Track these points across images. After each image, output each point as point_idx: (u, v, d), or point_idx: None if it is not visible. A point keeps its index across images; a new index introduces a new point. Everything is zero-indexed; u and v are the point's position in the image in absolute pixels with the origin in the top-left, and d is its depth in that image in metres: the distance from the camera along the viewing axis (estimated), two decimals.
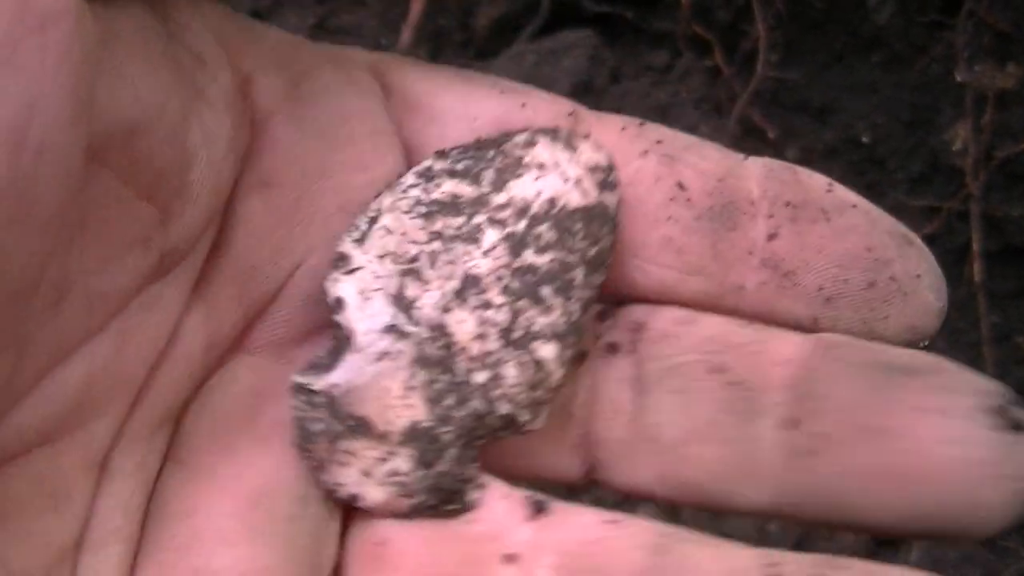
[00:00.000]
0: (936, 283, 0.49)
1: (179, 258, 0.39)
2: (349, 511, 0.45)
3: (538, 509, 0.44)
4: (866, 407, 0.43)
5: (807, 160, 1.66)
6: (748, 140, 1.63)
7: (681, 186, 0.48)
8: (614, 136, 0.48)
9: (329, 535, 0.44)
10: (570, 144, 0.45)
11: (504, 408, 0.42)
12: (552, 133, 0.45)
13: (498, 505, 0.44)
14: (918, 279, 0.48)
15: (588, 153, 0.45)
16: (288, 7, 1.78)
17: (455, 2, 1.74)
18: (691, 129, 1.56)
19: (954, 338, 1.61)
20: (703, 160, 0.49)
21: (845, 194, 0.50)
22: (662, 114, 1.61)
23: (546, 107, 0.49)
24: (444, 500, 0.42)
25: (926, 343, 0.49)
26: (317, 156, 0.43)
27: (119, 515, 0.40)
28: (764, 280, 0.46)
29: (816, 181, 0.51)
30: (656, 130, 0.50)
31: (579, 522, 0.44)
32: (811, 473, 0.43)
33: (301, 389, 0.42)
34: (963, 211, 1.55)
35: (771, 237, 0.47)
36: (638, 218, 0.47)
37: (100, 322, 0.37)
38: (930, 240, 1.59)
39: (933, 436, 0.42)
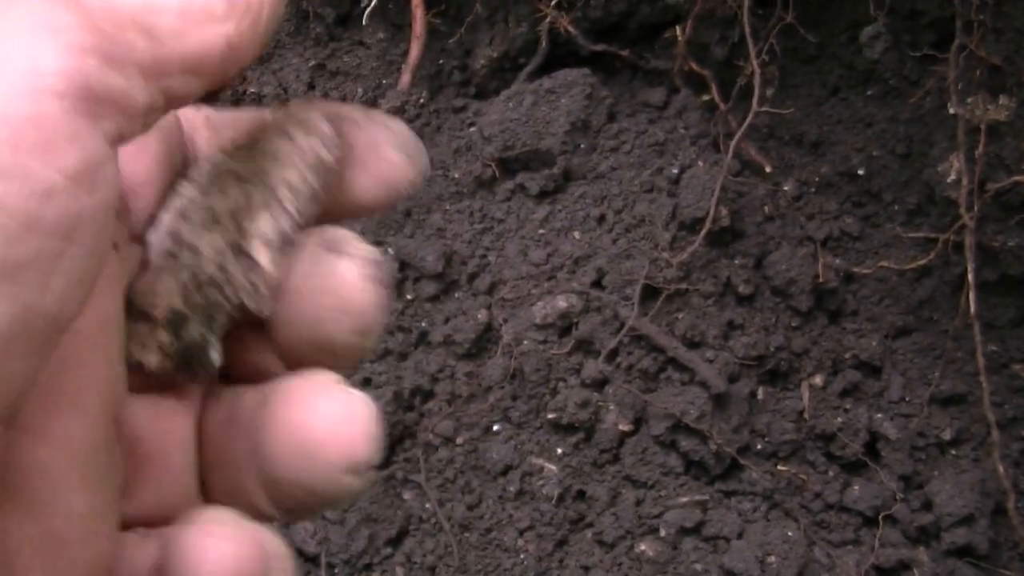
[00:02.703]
0: (398, 142, 0.59)
1: None
2: None
3: None
4: None
5: (804, 193, 1.67)
6: (745, 174, 1.65)
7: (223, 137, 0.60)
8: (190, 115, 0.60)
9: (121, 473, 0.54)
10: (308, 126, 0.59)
11: (233, 298, 0.58)
12: (301, 121, 0.59)
13: None
14: (376, 146, 0.59)
15: (322, 128, 0.58)
16: (290, 48, 1.80)
17: (454, 43, 1.76)
18: (689, 164, 1.59)
19: (952, 367, 1.62)
20: (239, 115, 0.60)
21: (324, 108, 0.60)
22: (660, 150, 1.62)
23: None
24: (189, 360, 0.58)
25: (413, 189, 0.58)
26: None
27: None
28: None
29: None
30: (202, 109, 0.61)
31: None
32: None
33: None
34: (959, 242, 1.56)
35: None
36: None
37: None
38: (927, 271, 1.61)
39: None
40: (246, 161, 0.60)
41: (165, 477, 0.56)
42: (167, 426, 0.58)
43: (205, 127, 0.60)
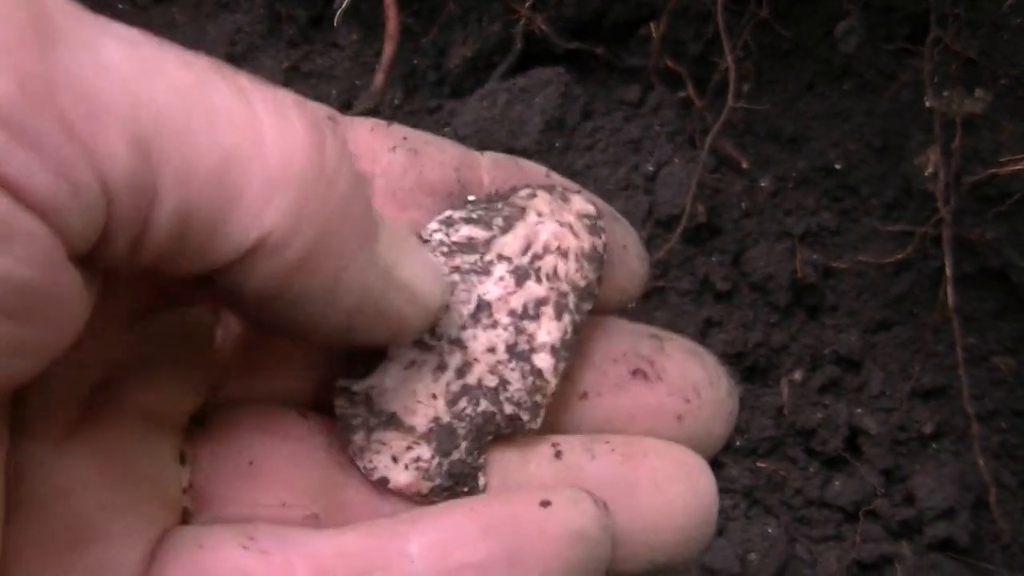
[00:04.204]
0: (639, 252, 0.55)
1: None
2: (197, 434, 0.50)
3: None
4: None
5: (781, 188, 1.67)
6: (722, 170, 1.64)
7: (423, 175, 0.53)
8: (366, 135, 0.53)
9: (174, 471, 0.48)
10: (564, 197, 0.53)
11: (509, 409, 0.50)
12: (550, 188, 0.53)
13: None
14: (624, 249, 0.54)
15: (579, 204, 0.53)
16: (263, 51, 1.79)
17: (428, 43, 1.75)
18: (665, 162, 1.58)
19: (932, 361, 1.62)
20: (442, 153, 0.54)
21: (562, 181, 0.55)
22: (635, 148, 1.62)
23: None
24: (457, 483, 0.50)
25: (632, 304, 0.55)
26: None
27: None
28: None
29: (535, 169, 0.55)
30: (400, 129, 0.54)
31: None
32: None
33: (343, 391, 0.50)
34: (936, 236, 1.56)
35: None
36: (391, 204, 0.53)
37: None
38: (905, 265, 1.61)
39: None
40: (502, 232, 0.52)
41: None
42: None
43: (401, 151, 0.53)
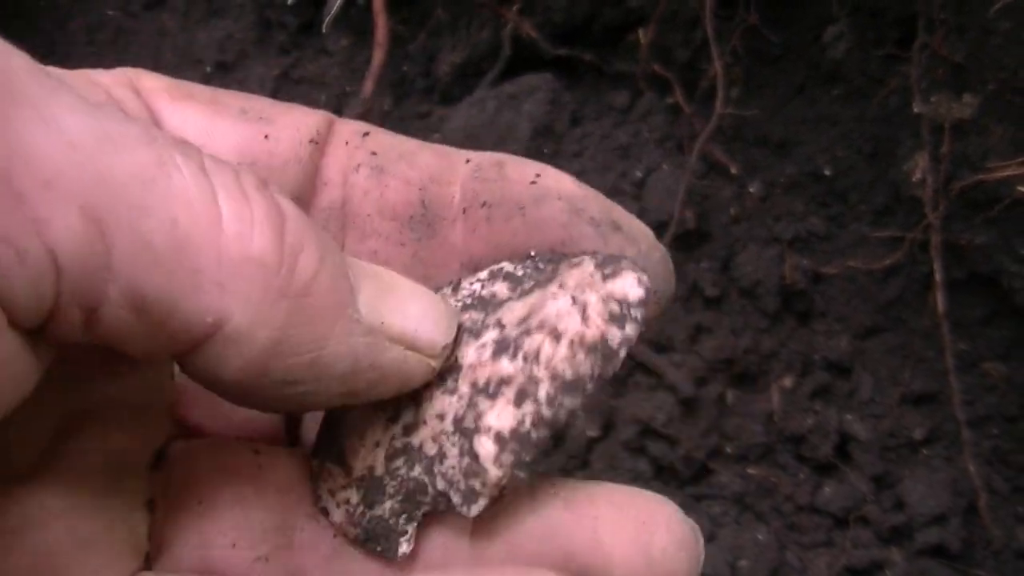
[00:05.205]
0: (648, 267, 0.47)
1: None
2: (158, 473, 0.49)
3: None
4: None
5: (770, 194, 1.67)
6: (711, 176, 1.64)
7: (384, 198, 0.49)
8: (341, 152, 0.49)
9: (141, 515, 0.47)
10: (611, 272, 0.45)
11: (440, 485, 0.45)
12: (606, 259, 0.45)
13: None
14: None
15: (619, 285, 0.44)
16: (254, 58, 1.79)
17: (417, 49, 1.75)
18: (654, 168, 1.58)
19: (922, 367, 1.62)
20: (410, 169, 0.49)
21: (553, 183, 0.48)
22: (624, 154, 1.62)
23: (288, 135, 0.49)
24: (374, 539, 0.46)
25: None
26: None
27: None
28: None
29: (520, 173, 0.48)
30: (376, 140, 0.50)
31: None
32: None
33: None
34: (926, 241, 1.56)
35: (468, 239, 0.48)
36: (350, 233, 0.49)
37: None
38: (895, 270, 1.61)
39: None
40: (520, 297, 0.46)
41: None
42: None
43: (365, 171, 0.48)
